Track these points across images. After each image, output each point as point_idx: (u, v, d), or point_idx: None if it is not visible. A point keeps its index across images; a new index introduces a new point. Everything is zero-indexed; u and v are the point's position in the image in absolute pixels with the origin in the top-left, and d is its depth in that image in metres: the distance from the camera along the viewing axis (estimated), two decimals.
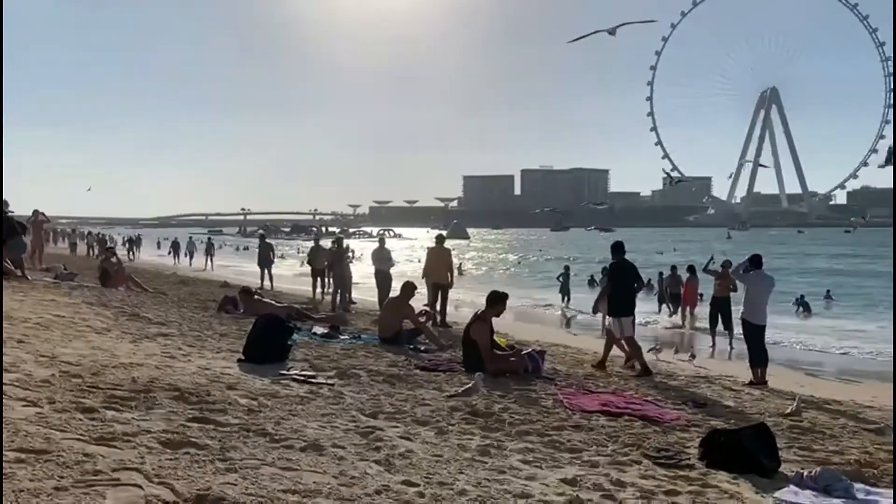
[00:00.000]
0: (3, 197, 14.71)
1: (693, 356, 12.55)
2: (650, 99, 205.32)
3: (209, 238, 47.29)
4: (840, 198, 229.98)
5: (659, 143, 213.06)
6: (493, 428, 5.95)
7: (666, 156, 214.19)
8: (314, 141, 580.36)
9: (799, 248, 78.01)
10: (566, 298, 23.95)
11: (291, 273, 33.66)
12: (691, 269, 19.63)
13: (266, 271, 22.87)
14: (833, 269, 49.34)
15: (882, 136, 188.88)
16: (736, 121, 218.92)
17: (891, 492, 5.01)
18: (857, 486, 5.02)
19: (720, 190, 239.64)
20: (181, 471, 3.82)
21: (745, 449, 5.25)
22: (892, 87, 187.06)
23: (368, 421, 5.74)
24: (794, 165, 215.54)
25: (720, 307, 15.46)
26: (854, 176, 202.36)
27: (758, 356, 10.30)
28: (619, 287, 10.48)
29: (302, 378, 7.23)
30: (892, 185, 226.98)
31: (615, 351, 10.80)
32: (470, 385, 7.24)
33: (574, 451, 5.41)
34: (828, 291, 29.60)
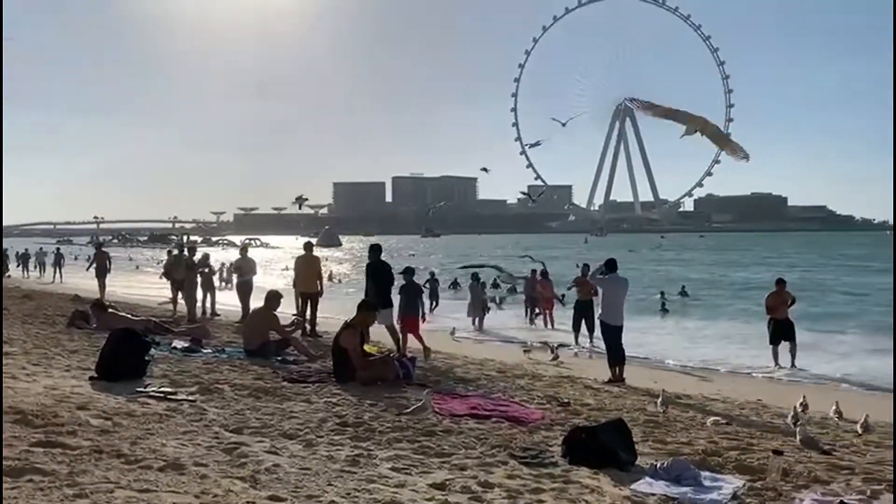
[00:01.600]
0: None
1: (556, 357, 13.04)
2: (514, 110, 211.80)
3: (58, 249, 43.97)
4: (688, 205, 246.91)
5: (524, 152, 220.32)
6: (362, 437, 5.91)
7: (530, 165, 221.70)
8: (172, 145, 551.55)
9: (656, 253, 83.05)
10: (434, 304, 24.10)
11: (145, 285, 31.84)
12: (544, 273, 20.36)
13: (101, 281, 21.74)
14: (689, 269, 53.11)
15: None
16: (595, 132, 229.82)
17: (733, 477, 5.42)
18: (705, 473, 5.39)
19: (580, 197, 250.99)
20: (23, 500, 3.53)
21: (604, 444, 5.51)
22: (730, 103, 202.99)
23: (232, 437, 5.55)
24: (646, 174, 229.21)
25: (582, 310, 16.13)
26: (700, 185, 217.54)
27: (616, 355, 10.85)
28: (380, 284, 11.74)
29: (160, 395, 6.88)
30: (733, 194, 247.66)
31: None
32: (419, 404, 7.12)
33: (443, 456, 5.47)
34: (683, 287, 31.85)
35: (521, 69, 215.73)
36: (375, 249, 12.31)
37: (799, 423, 7.54)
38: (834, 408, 8.70)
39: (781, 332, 13.83)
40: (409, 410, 7.00)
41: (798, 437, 6.76)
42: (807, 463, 5.98)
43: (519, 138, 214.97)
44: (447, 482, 4.70)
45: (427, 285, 24.89)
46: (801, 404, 8.63)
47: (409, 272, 12.66)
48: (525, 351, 13.65)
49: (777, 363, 13.66)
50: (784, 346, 13.82)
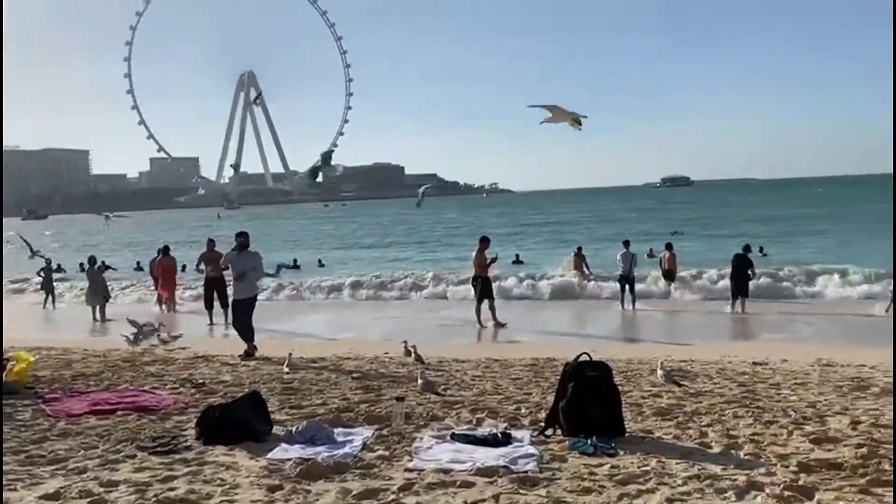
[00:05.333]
0: None
1: (172, 337, 12.27)
2: (129, 76, 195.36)
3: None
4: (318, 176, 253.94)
5: (142, 122, 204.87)
6: None
7: (151, 136, 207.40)
8: None
9: (288, 222, 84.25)
10: (50, 297, 21.01)
11: None
12: (165, 250, 19.03)
13: None
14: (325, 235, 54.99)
15: (347, 121, 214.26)
16: (220, 102, 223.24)
17: (363, 429, 5.80)
18: (338, 430, 5.67)
19: (209, 170, 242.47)
20: None
21: (238, 419, 5.45)
22: (349, 77, 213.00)
23: None
24: (275, 146, 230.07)
25: (215, 286, 15.67)
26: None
27: (246, 330, 10.71)
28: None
29: None
30: (358, 164, 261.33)
31: None
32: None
33: (57, 462, 4.90)
34: (319, 260, 33.22)
35: (133, 31, 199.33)
36: None
37: (420, 369, 8.35)
38: (412, 351, 9.63)
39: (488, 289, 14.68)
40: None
41: (419, 382, 7.48)
42: (426, 405, 6.66)
43: (136, 107, 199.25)
44: (62, 490, 4.22)
45: (42, 273, 21.65)
46: (409, 348, 9.63)
47: None
48: (129, 341, 12.05)
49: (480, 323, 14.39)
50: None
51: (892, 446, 5.05)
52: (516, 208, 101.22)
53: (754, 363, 9.11)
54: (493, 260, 14.89)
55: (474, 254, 14.99)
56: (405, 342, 10.09)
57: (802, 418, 5.99)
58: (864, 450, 4.94)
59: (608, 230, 45.67)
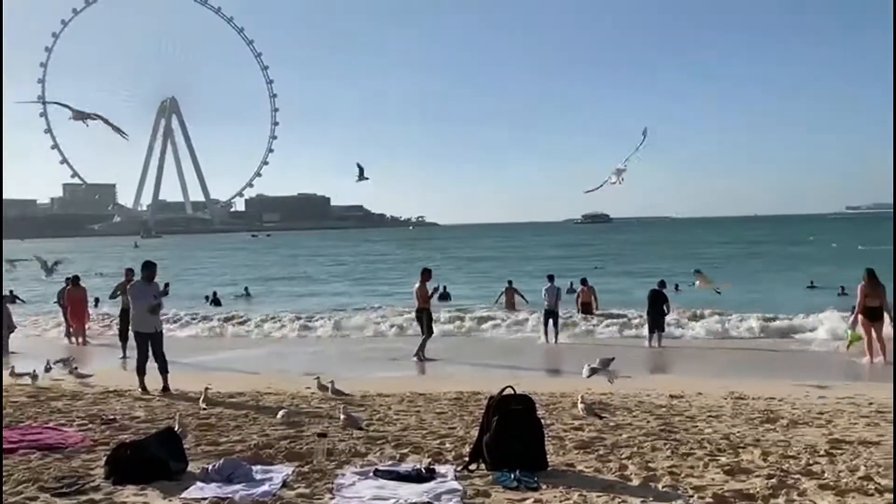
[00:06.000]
0: None
1: (79, 375, 11.51)
2: (43, 98, 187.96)
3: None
4: (239, 205, 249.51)
5: (56, 146, 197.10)
6: None
7: (65, 160, 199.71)
8: None
9: (209, 252, 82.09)
10: None
11: None
12: (75, 280, 18.27)
13: None
14: (244, 267, 53.76)
15: (272, 150, 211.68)
16: (140, 127, 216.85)
17: (283, 466, 5.64)
18: (257, 467, 5.50)
19: (126, 197, 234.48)
20: None
21: (151, 457, 5.22)
22: (275, 107, 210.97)
23: None
24: (196, 174, 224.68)
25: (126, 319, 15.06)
26: (250, 185, 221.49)
27: (161, 364, 10.30)
28: None
29: None
30: (282, 195, 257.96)
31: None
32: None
33: None
34: (246, 288, 33.05)
35: (48, 53, 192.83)
36: None
37: (343, 404, 8.22)
38: (329, 386, 9.48)
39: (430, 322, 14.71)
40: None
41: (341, 418, 7.36)
42: (349, 441, 6.55)
43: (49, 130, 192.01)
44: None
45: None
46: (326, 384, 9.48)
47: None
48: (16, 374, 10.85)
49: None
50: None
51: (799, 476, 5.26)
52: (443, 241, 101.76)
53: (671, 396, 9.36)
54: (435, 291, 14.99)
55: (416, 286, 14.96)
56: (318, 377, 9.93)
57: (717, 450, 6.17)
58: (774, 480, 5.12)
59: (533, 265, 46.32)
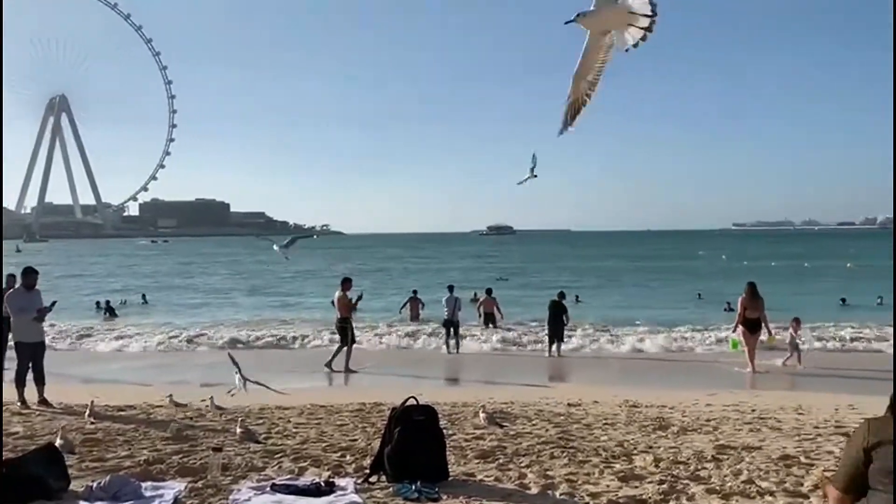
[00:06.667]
0: None
1: None
2: None
3: None
4: (133, 210, 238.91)
5: None
6: None
7: None
8: None
9: (98, 258, 78.25)
10: None
11: None
12: None
13: None
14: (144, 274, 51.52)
15: (168, 153, 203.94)
16: (24, 124, 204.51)
17: (175, 482, 5.40)
18: (146, 484, 5.24)
19: (9, 199, 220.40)
20: None
21: (29, 475, 4.89)
22: (173, 108, 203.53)
23: None
24: (87, 176, 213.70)
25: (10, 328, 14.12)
26: (145, 189, 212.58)
27: (38, 374, 9.71)
28: None
29: None
30: (179, 199, 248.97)
31: None
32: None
33: None
34: (143, 295, 32.30)
35: None
36: None
37: (240, 417, 7.96)
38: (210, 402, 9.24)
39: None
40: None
41: (238, 431, 7.12)
42: (245, 455, 6.35)
43: None
44: None
45: None
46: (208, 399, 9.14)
47: None
48: None
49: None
50: None
51: (688, 481, 5.49)
52: (348, 251, 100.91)
53: (569, 404, 9.58)
54: (360, 299, 14.90)
55: (337, 295, 14.84)
56: (211, 397, 9.38)
57: (612, 457, 6.35)
58: (665, 486, 5.32)
59: (439, 277, 46.59)
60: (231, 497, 5.01)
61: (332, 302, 15.25)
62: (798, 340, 14.61)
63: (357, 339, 15.07)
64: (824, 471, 5.58)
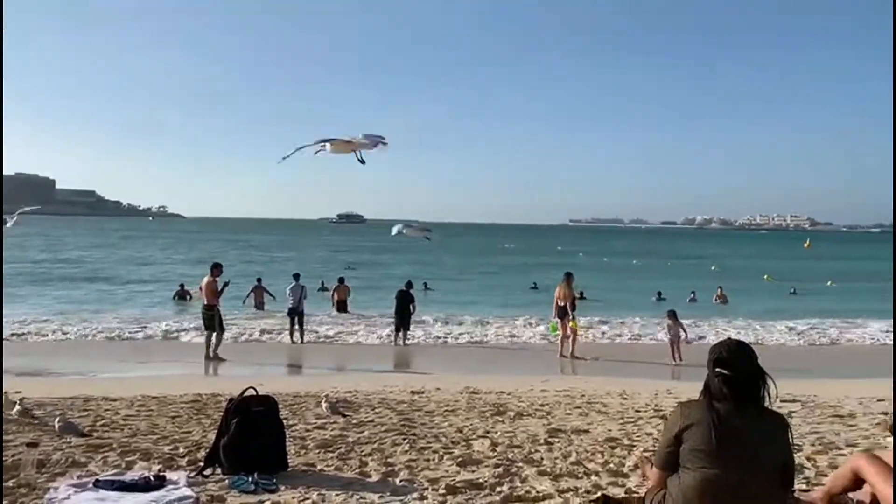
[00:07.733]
0: None
1: None
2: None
3: None
4: None
5: None
6: None
7: None
8: None
9: None
10: None
11: None
12: None
13: None
14: None
15: None
16: None
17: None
18: None
19: None
20: None
21: None
22: None
23: None
24: None
25: None
26: None
27: None
28: None
29: None
30: None
31: None
32: None
33: None
34: None
35: None
36: None
37: (59, 412, 7.37)
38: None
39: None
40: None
41: (57, 424, 6.60)
42: (65, 450, 5.89)
43: None
44: None
45: None
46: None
47: None
48: None
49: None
50: None
51: (522, 464, 5.73)
52: (189, 234, 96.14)
53: (412, 392, 9.70)
54: (226, 285, 14.29)
55: (205, 280, 14.26)
56: (6, 393, 8.53)
57: (451, 443, 6.50)
58: (500, 469, 5.52)
59: (287, 266, 45.49)
60: (47, 497, 4.63)
61: (200, 288, 14.59)
62: (682, 332, 14.88)
63: (224, 328, 14.50)
64: (643, 451, 6.03)
